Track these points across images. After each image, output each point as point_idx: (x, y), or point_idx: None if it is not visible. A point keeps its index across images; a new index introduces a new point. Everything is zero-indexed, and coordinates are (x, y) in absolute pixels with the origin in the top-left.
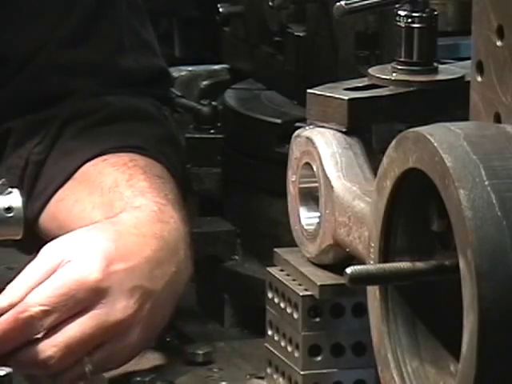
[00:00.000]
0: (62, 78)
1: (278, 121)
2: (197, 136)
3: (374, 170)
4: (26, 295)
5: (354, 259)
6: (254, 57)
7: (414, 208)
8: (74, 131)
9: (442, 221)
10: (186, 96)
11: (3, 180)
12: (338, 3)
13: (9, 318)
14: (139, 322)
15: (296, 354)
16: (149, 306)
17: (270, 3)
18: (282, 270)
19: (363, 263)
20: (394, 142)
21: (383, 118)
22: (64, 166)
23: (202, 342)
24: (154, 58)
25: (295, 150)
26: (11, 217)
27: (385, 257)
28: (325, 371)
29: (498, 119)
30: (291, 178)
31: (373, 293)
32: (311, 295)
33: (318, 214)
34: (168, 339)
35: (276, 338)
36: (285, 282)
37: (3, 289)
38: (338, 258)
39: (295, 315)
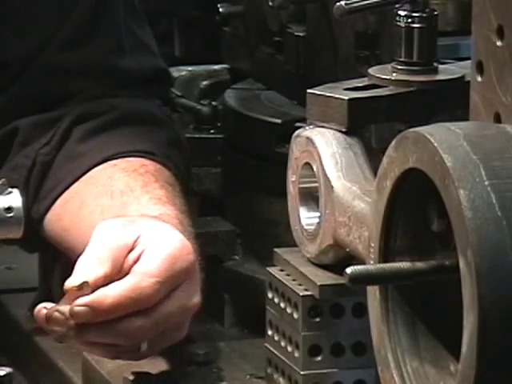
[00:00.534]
0: (64, 80)
1: (278, 121)
2: (197, 136)
3: (374, 170)
4: (115, 268)
5: (353, 259)
6: (253, 57)
7: (414, 208)
8: (81, 133)
9: (442, 221)
10: (186, 96)
11: (3, 180)
12: (337, 3)
13: (128, 286)
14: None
15: (296, 354)
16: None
17: (270, 3)
18: (282, 270)
19: (363, 263)
20: (394, 142)
21: (383, 118)
22: (72, 169)
23: (201, 342)
24: (152, 59)
25: (295, 150)
26: (11, 217)
27: (385, 257)
28: (325, 371)
29: (498, 119)
30: (291, 177)
31: (373, 293)
32: (311, 295)
33: (317, 213)
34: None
35: (276, 337)
36: (285, 281)
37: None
38: (338, 257)
39: (295, 315)
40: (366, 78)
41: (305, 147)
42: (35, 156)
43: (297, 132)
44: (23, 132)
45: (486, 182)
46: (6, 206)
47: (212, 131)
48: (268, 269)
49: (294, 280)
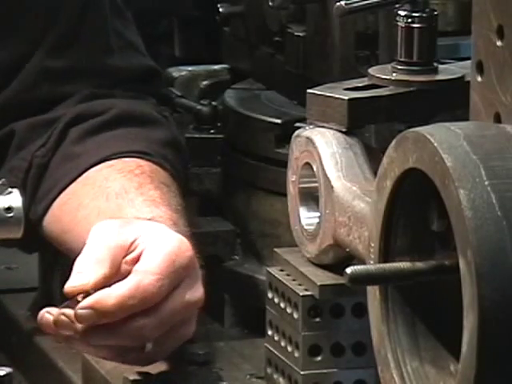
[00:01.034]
0: (56, 82)
1: (278, 121)
2: (197, 136)
3: (374, 170)
4: (114, 267)
5: (353, 259)
6: (253, 57)
7: (414, 208)
8: (77, 134)
9: (442, 221)
10: (186, 96)
11: (3, 180)
12: (337, 3)
13: (130, 285)
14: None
15: (296, 354)
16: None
17: (270, 3)
18: (282, 270)
19: (363, 263)
20: (394, 142)
21: (383, 118)
22: (68, 170)
23: (201, 342)
24: (141, 58)
25: (295, 150)
26: (11, 217)
27: (385, 257)
28: (325, 371)
29: (498, 119)
30: (291, 177)
31: (373, 293)
32: (311, 295)
33: (317, 213)
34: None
35: (276, 338)
36: (285, 281)
37: (3, 290)
38: (338, 257)
39: (295, 315)
40: (365, 78)
41: (305, 147)
42: (31, 158)
43: (297, 132)
44: (19, 135)
45: (486, 182)
46: (6, 206)
47: (212, 131)
48: (268, 269)
49: (294, 280)
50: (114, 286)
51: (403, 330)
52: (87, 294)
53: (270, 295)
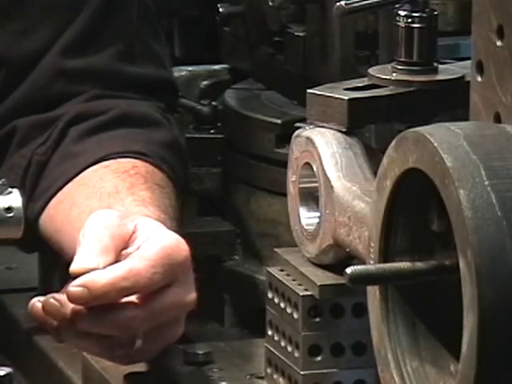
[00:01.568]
0: (66, 84)
1: (278, 121)
2: (197, 136)
3: (374, 170)
4: (117, 258)
5: (354, 259)
6: (253, 57)
7: (413, 208)
8: (77, 133)
9: (442, 221)
10: (186, 96)
11: (3, 180)
12: (337, 3)
13: (123, 267)
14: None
15: (296, 354)
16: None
17: (270, 3)
18: (282, 270)
19: (363, 263)
20: (394, 142)
21: (383, 118)
22: (66, 169)
23: (201, 342)
24: (161, 70)
25: (295, 150)
26: (11, 217)
27: (385, 257)
28: (325, 371)
29: (498, 119)
30: (291, 177)
31: (373, 293)
32: (311, 295)
33: (318, 213)
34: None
35: (276, 338)
36: (285, 281)
37: (3, 290)
38: (338, 257)
39: (295, 315)
40: (365, 78)
41: (305, 147)
42: (31, 156)
43: (297, 132)
44: (21, 132)
45: (486, 182)
46: (6, 206)
47: (212, 131)
48: (268, 269)
49: (294, 280)
50: (107, 267)
51: (403, 330)
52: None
53: (269, 295)
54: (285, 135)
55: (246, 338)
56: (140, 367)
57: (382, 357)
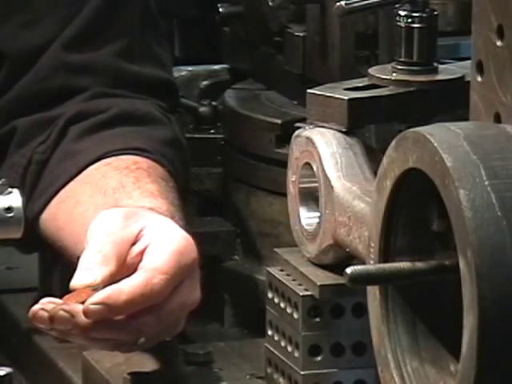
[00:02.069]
0: (67, 78)
1: (278, 121)
2: (197, 136)
3: (374, 170)
4: (119, 264)
5: (354, 259)
6: (253, 57)
7: (413, 208)
8: (77, 132)
9: (442, 221)
10: (186, 96)
11: (3, 180)
12: (337, 3)
13: (140, 283)
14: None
15: (296, 354)
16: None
17: (270, 3)
18: (282, 270)
19: (363, 263)
20: (394, 142)
21: (383, 118)
22: (67, 167)
23: (201, 342)
24: (161, 71)
25: (295, 150)
26: (11, 217)
27: (385, 257)
28: (325, 371)
29: (498, 119)
30: (291, 178)
31: (373, 293)
32: (311, 295)
33: (318, 213)
34: (168, 339)
35: (276, 337)
36: (285, 281)
37: (3, 290)
38: (338, 257)
39: (295, 315)
40: (366, 78)
41: (305, 147)
42: (31, 155)
43: (297, 132)
44: (20, 132)
45: (486, 182)
46: (6, 206)
47: (212, 131)
48: (268, 269)
49: (294, 280)
50: (123, 282)
51: (403, 330)
52: (93, 290)
53: (270, 295)
54: (285, 135)
55: (246, 338)
56: (140, 367)
57: (382, 357)
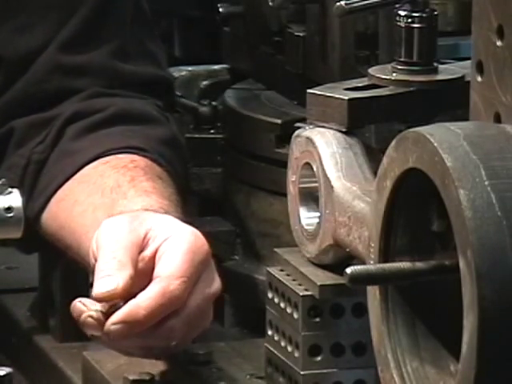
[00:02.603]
0: (64, 79)
1: (278, 121)
2: (197, 136)
3: (374, 170)
4: (135, 267)
5: (354, 259)
6: (253, 57)
7: (413, 208)
8: (75, 132)
9: (442, 221)
10: (186, 96)
11: (3, 180)
12: (337, 3)
13: (157, 293)
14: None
15: (296, 354)
16: None
17: (270, 3)
18: (282, 270)
19: (363, 263)
20: (394, 142)
21: (383, 118)
22: (65, 167)
23: (201, 342)
24: (156, 69)
25: (295, 150)
26: (11, 217)
27: (385, 257)
28: (325, 371)
29: (498, 119)
30: (291, 177)
31: (373, 293)
32: (311, 295)
33: (318, 214)
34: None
35: (276, 337)
36: (285, 281)
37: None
38: (338, 257)
39: (295, 315)
40: (365, 78)
41: (305, 147)
42: (30, 155)
43: (297, 132)
44: (18, 132)
45: (486, 182)
46: (6, 206)
47: (212, 131)
48: (268, 269)
49: (294, 280)
50: (140, 296)
51: (403, 330)
52: (117, 298)
53: (270, 295)
54: (285, 135)
55: (246, 338)
56: (140, 367)
57: (382, 357)
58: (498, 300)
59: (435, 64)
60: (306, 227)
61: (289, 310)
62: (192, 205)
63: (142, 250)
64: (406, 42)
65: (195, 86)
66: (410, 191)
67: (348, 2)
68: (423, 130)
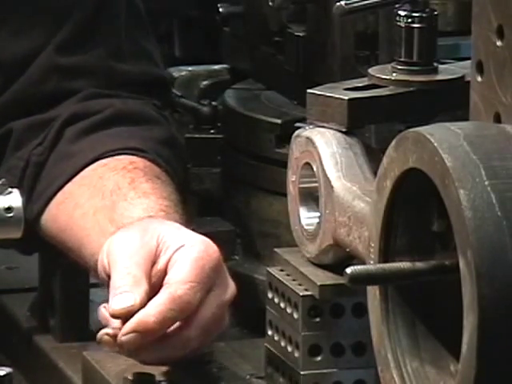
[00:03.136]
0: (61, 81)
1: (278, 121)
2: (197, 136)
3: (374, 170)
4: (149, 283)
5: (354, 259)
6: (253, 57)
7: (414, 208)
8: (73, 133)
9: (442, 221)
10: (186, 96)
11: (3, 180)
12: (337, 3)
13: (166, 299)
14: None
15: (296, 354)
16: None
17: (270, 3)
18: (282, 270)
19: (363, 263)
20: (394, 142)
21: (383, 118)
22: (64, 169)
23: None
24: (153, 67)
25: (295, 150)
26: (11, 217)
27: (385, 257)
28: (325, 371)
29: (498, 119)
30: (291, 178)
31: (373, 293)
32: (311, 295)
33: (317, 214)
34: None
35: (276, 337)
36: (285, 281)
37: (3, 290)
38: (338, 257)
39: (295, 315)
40: (365, 78)
41: (305, 147)
42: (28, 157)
43: (297, 132)
44: (17, 134)
45: (486, 182)
46: (6, 206)
47: (212, 131)
48: (268, 269)
49: (294, 280)
50: (149, 304)
51: (403, 331)
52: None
53: (270, 295)
54: (285, 135)
55: (246, 338)
56: (140, 367)
57: (382, 357)
58: (497, 300)
59: (435, 64)
60: (306, 227)
61: (289, 310)
62: (192, 205)
63: (154, 262)
64: (406, 41)
65: (195, 86)
66: (409, 191)
67: (348, 1)
68: (423, 129)
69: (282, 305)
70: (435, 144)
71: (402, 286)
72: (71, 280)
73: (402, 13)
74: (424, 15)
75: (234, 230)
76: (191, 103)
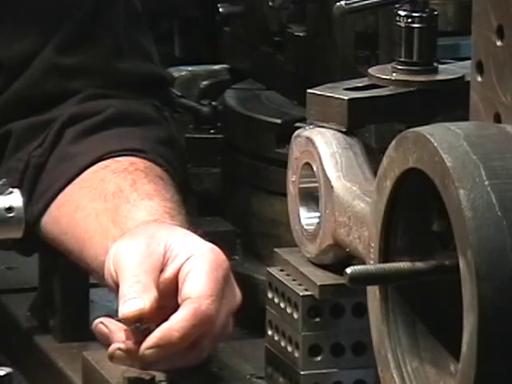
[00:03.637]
0: (60, 81)
1: (278, 121)
2: (197, 136)
3: (374, 170)
4: (158, 290)
5: (354, 259)
6: (253, 57)
7: (414, 208)
8: (73, 135)
9: (442, 221)
10: (186, 96)
11: (4, 180)
12: (337, 3)
13: (189, 315)
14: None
15: (296, 354)
16: None
17: (270, 3)
18: (282, 270)
19: (363, 263)
20: (393, 142)
21: (383, 118)
22: (64, 170)
23: None
24: (151, 66)
25: (295, 150)
26: (12, 217)
27: (385, 257)
28: (325, 371)
29: (498, 119)
30: (291, 178)
31: (373, 293)
32: (311, 295)
33: (317, 214)
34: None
35: (276, 338)
36: (285, 281)
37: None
38: (338, 258)
39: (295, 315)
40: (366, 78)
41: (305, 147)
42: (28, 158)
43: (297, 132)
44: (16, 135)
45: (486, 182)
46: (7, 206)
47: (212, 131)
48: (268, 269)
49: (294, 280)
50: (173, 319)
51: (403, 330)
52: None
53: (270, 295)
54: (285, 135)
55: (246, 338)
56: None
57: (382, 357)
58: (497, 300)
59: (435, 64)
60: (306, 227)
61: (289, 310)
62: (192, 205)
63: (161, 270)
64: (406, 41)
65: (195, 86)
66: (409, 191)
67: (348, 1)
68: (423, 129)
69: (282, 305)
70: (435, 144)
71: (402, 286)
72: (71, 280)
73: (402, 13)
74: (424, 15)
75: (234, 230)
76: (191, 103)
